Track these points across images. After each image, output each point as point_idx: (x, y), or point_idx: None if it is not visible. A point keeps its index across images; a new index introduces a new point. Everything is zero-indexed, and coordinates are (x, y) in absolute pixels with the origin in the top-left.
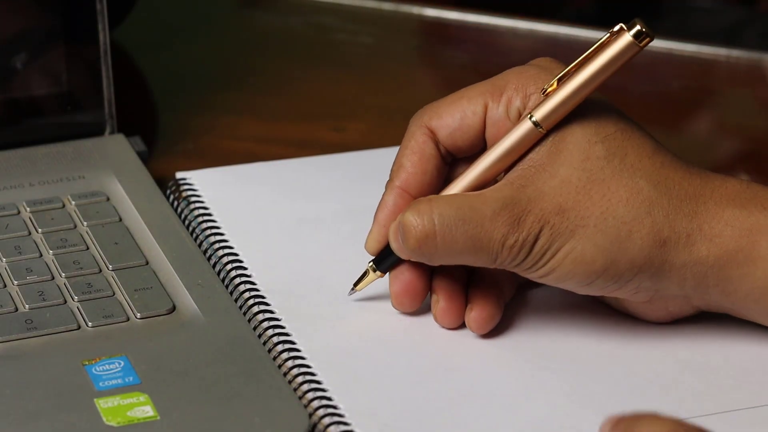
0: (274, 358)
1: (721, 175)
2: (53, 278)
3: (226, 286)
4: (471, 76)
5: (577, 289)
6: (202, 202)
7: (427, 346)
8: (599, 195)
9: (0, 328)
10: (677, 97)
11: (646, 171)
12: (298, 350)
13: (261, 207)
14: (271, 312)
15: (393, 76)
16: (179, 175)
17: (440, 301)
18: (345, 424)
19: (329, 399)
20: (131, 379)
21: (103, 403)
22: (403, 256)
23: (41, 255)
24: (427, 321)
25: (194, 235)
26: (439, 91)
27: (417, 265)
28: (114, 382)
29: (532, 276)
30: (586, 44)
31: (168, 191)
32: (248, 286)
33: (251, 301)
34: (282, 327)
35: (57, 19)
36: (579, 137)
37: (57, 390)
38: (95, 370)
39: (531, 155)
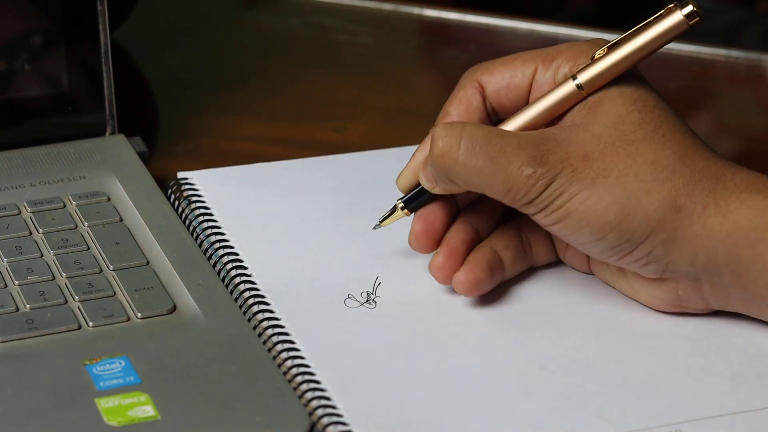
0: (274, 358)
1: (745, 167)
2: (54, 278)
3: (226, 286)
4: None
5: (590, 247)
6: (203, 202)
7: (425, 347)
8: (626, 153)
9: (1, 328)
10: (677, 98)
11: (675, 144)
12: (297, 350)
13: (262, 207)
14: (271, 312)
15: (393, 76)
16: (180, 175)
17: (440, 255)
18: (343, 424)
19: (328, 399)
20: (132, 378)
21: (103, 403)
22: (424, 180)
23: (42, 255)
24: (425, 322)
25: (195, 234)
26: (439, 91)
27: (441, 210)
28: (115, 381)
29: (546, 221)
30: None
31: (169, 191)
32: (248, 285)
33: (251, 301)
34: (281, 327)
35: (58, 20)
36: (618, 103)
37: (58, 390)
38: (96, 369)
39: (567, 116)
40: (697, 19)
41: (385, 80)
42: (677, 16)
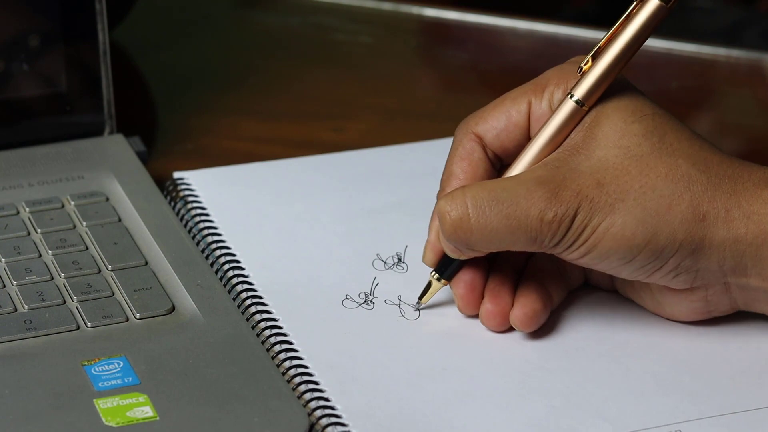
0: (272, 359)
1: (758, 165)
2: (52, 278)
3: (224, 286)
4: (471, 76)
5: (619, 270)
6: (199, 202)
7: (424, 347)
8: (637, 170)
9: None
10: (677, 97)
11: (684, 151)
12: (295, 350)
13: (258, 207)
14: (269, 312)
15: (393, 76)
16: (176, 174)
17: (486, 303)
18: (342, 425)
19: (327, 399)
20: (130, 379)
21: (102, 404)
22: (448, 251)
23: (40, 255)
24: (424, 322)
25: (191, 235)
26: (439, 91)
27: (476, 268)
28: (113, 382)
29: (574, 256)
30: (586, 44)
31: (165, 191)
32: (245, 286)
33: (248, 301)
34: (279, 327)
35: (56, 19)
36: (615, 119)
37: (56, 390)
38: (94, 370)
39: (566, 144)
40: (673, 0)
41: (385, 80)
42: (654, 3)
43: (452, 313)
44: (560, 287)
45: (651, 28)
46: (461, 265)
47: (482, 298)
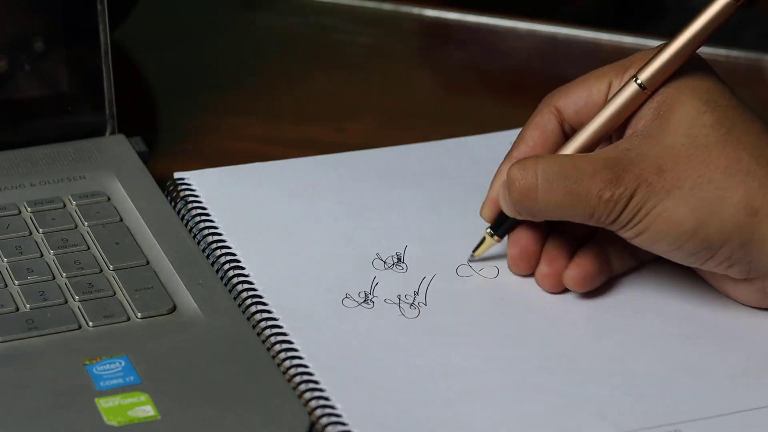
0: (272, 358)
1: None
2: (54, 278)
3: (224, 286)
4: (471, 76)
5: (672, 255)
6: (200, 202)
7: (424, 347)
8: (699, 160)
9: (1, 328)
10: None
11: (750, 144)
12: (295, 350)
13: (259, 207)
14: (269, 312)
15: (393, 76)
16: (177, 175)
17: (542, 265)
18: (343, 424)
19: (327, 399)
20: (132, 378)
21: (103, 403)
22: (507, 211)
23: (42, 255)
24: (424, 321)
25: (192, 234)
26: (439, 91)
27: (532, 231)
28: (115, 381)
29: (627, 235)
30: (586, 44)
31: (166, 191)
32: (246, 285)
33: (249, 301)
34: (280, 327)
35: (58, 19)
36: (689, 107)
37: (58, 390)
38: (96, 369)
39: (641, 125)
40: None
41: (385, 80)
42: (724, 0)
43: (452, 312)
44: (624, 257)
45: (719, 22)
46: (515, 224)
47: (534, 261)
